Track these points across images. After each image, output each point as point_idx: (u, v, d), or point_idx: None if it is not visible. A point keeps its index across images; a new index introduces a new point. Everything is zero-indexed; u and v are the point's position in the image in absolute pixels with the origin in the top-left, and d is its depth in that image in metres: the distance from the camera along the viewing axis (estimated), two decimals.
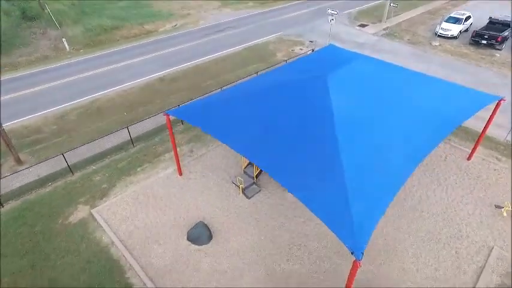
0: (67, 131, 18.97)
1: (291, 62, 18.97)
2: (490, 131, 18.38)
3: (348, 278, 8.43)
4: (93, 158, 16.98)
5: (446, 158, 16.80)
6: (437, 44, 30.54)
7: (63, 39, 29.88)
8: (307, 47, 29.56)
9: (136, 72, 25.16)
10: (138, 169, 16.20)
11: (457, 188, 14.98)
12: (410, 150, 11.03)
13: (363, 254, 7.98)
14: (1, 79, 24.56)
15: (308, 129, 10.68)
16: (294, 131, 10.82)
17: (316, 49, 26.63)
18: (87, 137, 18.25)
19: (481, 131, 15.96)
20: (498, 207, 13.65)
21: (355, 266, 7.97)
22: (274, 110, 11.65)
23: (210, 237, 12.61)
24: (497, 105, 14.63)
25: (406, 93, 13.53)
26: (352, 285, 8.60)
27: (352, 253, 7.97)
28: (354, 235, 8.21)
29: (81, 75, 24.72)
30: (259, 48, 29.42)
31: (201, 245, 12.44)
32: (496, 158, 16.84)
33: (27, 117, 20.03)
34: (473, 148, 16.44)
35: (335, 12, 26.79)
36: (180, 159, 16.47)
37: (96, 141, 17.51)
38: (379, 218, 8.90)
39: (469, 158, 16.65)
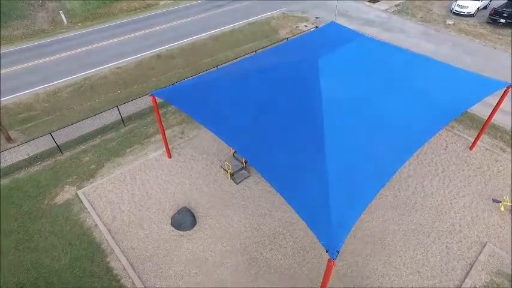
0: (59, 109, 18.70)
1: (287, 42, 17.97)
2: (497, 119, 17.45)
3: (323, 278, 8.10)
4: (84, 137, 16.75)
5: (447, 146, 16.03)
6: (451, 22, 28.69)
7: (61, 12, 29.08)
8: (312, 24, 28.16)
9: (132, 48, 24.43)
10: (128, 150, 15.94)
11: (455, 179, 14.33)
12: (405, 138, 10.37)
13: (338, 252, 7.60)
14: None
15: (295, 117, 10.07)
16: (279, 118, 10.23)
17: (320, 26, 25.34)
18: (79, 115, 17.98)
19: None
20: (496, 201, 13.03)
21: (329, 266, 7.62)
22: (262, 96, 11.01)
23: (193, 223, 12.42)
24: (505, 92, 13.64)
25: (405, 78, 12.64)
26: (327, 285, 8.30)
27: (327, 251, 7.60)
28: (330, 233, 7.81)
29: (75, 51, 24.13)
30: (261, 24, 28.14)
31: (184, 230, 12.29)
32: (501, 148, 15.98)
33: (19, 93, 19.74)
34: (476, 137, 15.60)
35: None
36: (170, 141, 16.14)
37: (88, 120, 17.22)
38: (362, 211, 8.44)
39: (471, 148, 15.85)
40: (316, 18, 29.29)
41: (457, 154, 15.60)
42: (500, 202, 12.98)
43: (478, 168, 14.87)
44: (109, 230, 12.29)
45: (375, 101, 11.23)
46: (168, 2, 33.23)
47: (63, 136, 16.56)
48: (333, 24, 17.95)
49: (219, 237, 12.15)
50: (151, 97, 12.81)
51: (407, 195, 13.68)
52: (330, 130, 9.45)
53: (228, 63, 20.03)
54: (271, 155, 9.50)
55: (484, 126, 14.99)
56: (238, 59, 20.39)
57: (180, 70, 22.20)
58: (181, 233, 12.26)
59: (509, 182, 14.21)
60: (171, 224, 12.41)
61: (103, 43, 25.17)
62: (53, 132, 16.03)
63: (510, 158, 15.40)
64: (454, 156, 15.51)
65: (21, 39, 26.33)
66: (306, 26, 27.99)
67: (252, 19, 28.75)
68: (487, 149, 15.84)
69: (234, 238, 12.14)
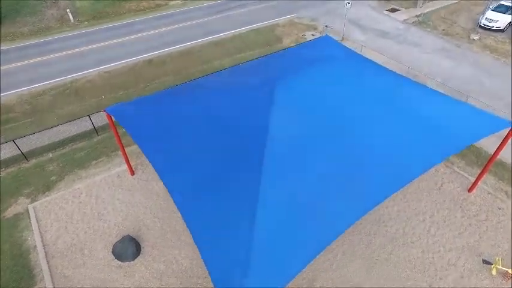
0: (40, 112, 18.39)
1: (262, 58, 16.42)
2: (507, 156, 15.14)
3: None
4: (55, 144, 16.26)
5: (442, 186, 14.01)
6: (476, 37, 25.92)
7: (68, 10, 29.18)
8: (319, 33, 26.42)
9: (127, 51, 23.88)
10: (93, 162, 15.23)
11: (443, 228, 12.38)
12: (369, 187, 8.78)
13: None
14: None
15: (235, 158, 8.72)
16: (220, 157, 8.90)
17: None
18: (57, 120, 17.54)
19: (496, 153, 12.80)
20: (486, 262, 11.01)
21: None
22: (208, 128, 9.73)
23: (136, 253, 11.41)
24: (509, 134, 11.51)
25: (386, 108, 10.96)
26: None
27: None
28: None
29: (71, 51, 23.89)
30: (265, 31, 26.76)
31: (124, 261, 11.31)
32: (506, 193, 13.75)
33: (3, 94, 19.58)
34: (476, 178, 13.48)
35: None
36: (138, 155, 15.26)
37: (64, 125, 16.72)
38: (288, 281, 7.03)
39: (470, 190, 13.74)
40: (326, 26, 27.49)
41: (452, 196, 13.56)
42: (492, 264, 10.95)
43: (475, 216, 12.80)
44: (46, 253, 11.55)
45: (344, 136, 9.70)
46: (180, 2, 32.58)
47: (35, 141, 16.16)
48: (325, 38, 16.34)
49: (160, 274, 11.06)
50: (106, 115, 11.91)
51: (383, 243, 11.93)
52: (269, 180, 8.04)
53: (233, 66, 18.53)
54: (200, 200, 8.23)
55: (486, 165, 12.86)
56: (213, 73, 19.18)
57: (170, 77, 21.35)
58: (121, 264, 11.30)
59: (510, 237, 12.08)
60: (112, 253, 11.48)
61: (100, 44, 24.82)
62: (26, 136, 15.69)
63: None
64: (449, 198, 13.48)
65: (25, 37, 26.57)
66: (313, 35, 26.29)
67: (256, 25, 27.43)
68: (489, 193, 13.67)
69: (176, 276, 11.00)
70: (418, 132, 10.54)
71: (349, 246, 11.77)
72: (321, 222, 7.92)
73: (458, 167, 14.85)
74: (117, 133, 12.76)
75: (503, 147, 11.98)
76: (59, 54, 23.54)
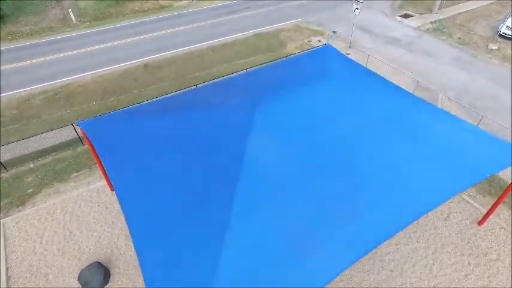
0: (26, 118, 17.74)
1: (251, 71, 15.14)
2: None
3: None
4: (37, 153, 15.53)
5: (448, 216, 12.62)
6: (495, 47, 24.17)
7: (70, 11, 28.69)
8: (327, 39, 25.11)
9: (123, 54, 23.10)
10: (74, 174, 14.41)
11: (448, 267, 11.02)
12: (351, 232, 7.57)
13: None
14: None
15: (203, 190, 7.64)
16: (187, 187, 7.84)
17: (334, 42, 22.39)
18: (44, 127, 16.84)
19: None
20: None
21: None
22: (179, 151, 8.68)
23: (103, 282, 10.47)
24: None
25: (392, 135, 9.72)
26: None
27: None
28: None
29: (67, 53, 23.25)
30: (268, 36, 25.61)
31: None
32: None
33: None
34: (489, 209, 12.02)
35: (361, 1, 21.88)
36: None
37: (48, 133, 15.99)
38: None
39: (481, 223, 12.31)
40: (333, 32, 26.15)
41: (459, 230, 12.15)
42: None
43: (484, 255, 11.37)
44: (9, 278, 10.73)
45: (335, 167, 8.50)
46: (185, 3, 31.74)
47: (18, 149, 15.47)
48: (326, 48, 15.09)
49: None
50: (80, 129, 11.03)
51: (377, 282, 10.65)
52: (238, 221, 6.94)
53: (221, 78, 17.54)
54: (159, 239, 7.18)
55: (501, 197, 11.39)
56: (234, 74, 17.97)
57: (165, 83, 20.46)
58: None
59: None
60: (78, 280, 10.58)
61: (98, 46, 24.14)
62: (9, 144, 15.04)
63: None
64: (455, 232, 12.08)
65: (25, 37, 26.15)
66: (320, 41, 25.00)
67: (259, 29, 26.30)
68: (502, 228, 12.20)
69: None
70: (423, 164, 9.27)
71: (336, 284, 10.54)
72: (300, 273, 6.77)
73: (468, 195, 13.40)
74: (93, 148, 11.87)
75: None
76: (55, 56, 22.95)
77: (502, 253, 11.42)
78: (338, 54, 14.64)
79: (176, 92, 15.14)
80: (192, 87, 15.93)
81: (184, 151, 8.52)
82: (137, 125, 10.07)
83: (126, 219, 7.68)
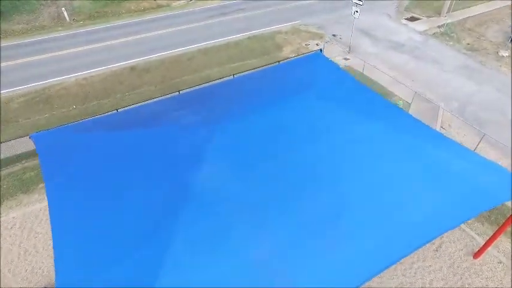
0: (3, 122, 17.06)
1: (228, 80, 13.95)
2: None
3: None
4: (7, 160, 14.81)
5: (440, 246, 11.33)
6: (506, 54, 22.53)
7: (63, 9, 28.10)
8: (326, 42, 23.85)
9: (112, 56, 22.30)
10: (40, 185, 13.60)
11: None
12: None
13: None
14: None
15: (141, 227, 6.62)
16: (123, 220, 6.84)
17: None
18: (18, 132, 16.14)
19: None
20: None
21: None
22: (124, 176, 7.70)
23: None
24: None
25: (370, 163, 8.52)
26: None
27: None
28: None
29: (54, 54, 22.54)
30: (264, 39, 24.48)
31: None
32: None
33: None
34: (486, 241, 10.71)
35: (360, 3, 20.55)
36: None
37: (24, 138, 15.23)
38: None
39: (476, 256, 11.00)
40: (333, 35, 24.85)
41: (451, 263, 10.87)
42: None
43: None
44: None
45: (300, 198, 7.40)
46: (182, 3, 30.84)
47: None
48: (315, 56, 13.93)
49: None
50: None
51: None
52: (175, 267, 5.91)
53: (208, 83, 16.47)
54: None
55: (500, 228, 10.07)
56: (224, 79, 16.87)
57: (151, 87, 19.58)
58: None
59: None
60: None
61: (86, 47, 23.40)
62: None
63: None
64: (447, 265, 10.80)
65: (15, 35, 25.61)
66: (318, 45, 23.74)
67: (255, 31, 25.17)
68: (500, 262, 10.87)
69: None
70: (414, 193, 8.11)
71: None
72: None
73: (465, 223, 12.07)
74: None
75: None
76: (41, 56, 22.28)
77: None
78: (328, 63, 13.46)
79: (145, 102, 14.20)
80: (170, 95, 14.95)
81: (128, 175, 7.53)
82: (87, 141, 9.13)
83: (53, 248, 6.75)
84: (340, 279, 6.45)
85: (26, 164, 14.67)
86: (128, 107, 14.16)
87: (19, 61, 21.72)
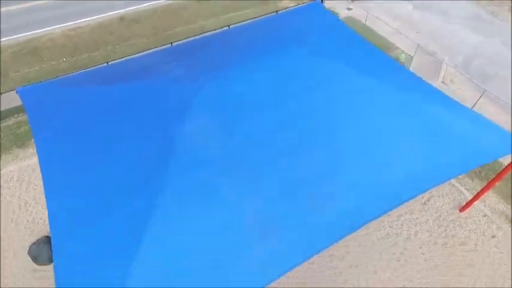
0: None
1: (232, 28, 13.30)
2: None
3: None
4: (1, 114, 14.70)
5: (429, 200, 11.61)
6: None
7: None
8: None
9: (99, 5, 20.88)
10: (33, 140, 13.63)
11: (418, 256, 10.27)
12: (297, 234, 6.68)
13: None
14: None
15: (129, 179, 6.69)
16: (114, 172, 6.89)
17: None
18: (9, 85, 15.81)
19: None
20: None
21: None
22: (113, 129, 7.61)
23: (52, 257, 10.15)
24: None
25: (364, 117, 8.38)
26: None
27: None
28: None
29: (36, 3, 21.14)
30: None
31: (41, 264, 10.13)
32: (506, 216, 11.22)
33: None
34: (474, 196, 10.94)
35: None
36: None
37: (10, 93, 14.97)
38: None
39: (462, 209, 11.31)
40: None
41: (437, 216, 11.21)
42: None
43: (460, 245, 10.53)
44: None
45: (292, 150, 7.41)
46: None
47: None
48: (314, 5, 13.11)
49: None
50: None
51: (340, 269, 10.03)
52: (165, 215, 6.06)
53: (203, 34, 15.77)
54: (75, 233, 6.44)
55: (488, 184, 10.23)
56: (218, 30, 16.08)
57: (143, 39, 18.80)
58: (36, 267, 10.13)
59: (499, 275, 9.85)
60: (28, 254, 10.28)
61: None
62: None
63: None
64: (433, 218, 11.15)
65: None
66: None
67: None
68: (485, 216, 11.21)
69: None
70: (408, 147, 8.10)
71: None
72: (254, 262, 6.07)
73: (455, 178, 12.23)
74: None
75: (506, 172, 9.28)
76: (20, 6, 20.93)
77: (479, 243, 10.54)
78: (325, 13, 12.71)
79: (133, 56, 13.60)
80: (162, 47, 14.37)
81: (117, 128, 7.48)
82: (76, 95, 8.94)
83: (46, 201, 6.96)
84: (333, 229, 6.67)
85: (20, 119, 14.59)
86: (119, 60, 13.73)
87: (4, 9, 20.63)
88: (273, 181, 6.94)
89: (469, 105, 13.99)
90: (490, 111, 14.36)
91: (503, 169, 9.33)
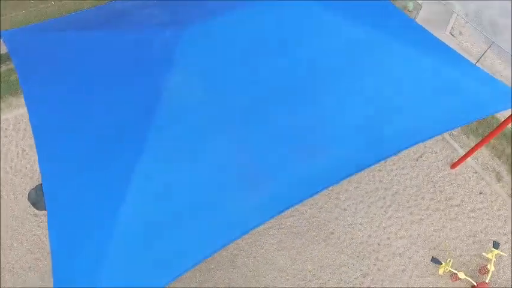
0: None
1: None
2: None
3: None
4: None
5: (421, 156, 11.68)
6: None
7: None
8: None
9: None
10: None
11: (404, 210, 10.62)
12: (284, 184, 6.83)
13: None
14: None
15: (114, 131, 6.66)
16: (97, 126, 6.83)
17: None
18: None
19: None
20: (435, 261, 9.49)
21: None
22: (97, 78, 7.41)
23: None
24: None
25: (355, 67, 8.05)
26: None
27: None
28: None
29: None
30: None
31: (41, 209, 10.58)
32: (497, 174, 11.36)
33: None
34: (464, 155, 10.98)
35: None
36: None
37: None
38: None
39: (453, 166, 11.41)
40: None
41: (428, 172, 11.35)
42: (441, 264, 9.43)
43: (447, 200, 10.81)
44: None
45: (280, 101, 7.29)
46: None
47: None
48: None
49: None
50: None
51: (327, 220, 10.45)
52: (147, 170, 6.13)
53: None
54: (65, 184, 6.59)
55: (484, 139, 10.19)
56: None
57: None
58: (37, 212, 10.60)
59: (480, 230, 10.28)
60: (28, 200, 10.70)
61: None
62: None
63: (502, 192, 10.96)
64: (423, 173, 11.31)
65: None
66: None
67: None
68: (476, 173, 11.33)
69: None
70: (400, 100, 7.92)
71: (289, 218, 10.39)
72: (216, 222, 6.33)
73: (450, 134, 12.17)
74: None
75: (503, 127, 9.17)
76: None
77: (466, 199, 10.82)
78: None
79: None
80: None
81: (98, 78, 7.29)
82: (60, 41, 8.56)
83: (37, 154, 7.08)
84: (323, 177, 6.80)
85: (11, 66, 14.24)
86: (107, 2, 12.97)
87: None
88: (259, 133, 6.91)
89: (474, 58, 13.44)
90: (495, 64, 13.84)
91: (498, 126, 9.21)
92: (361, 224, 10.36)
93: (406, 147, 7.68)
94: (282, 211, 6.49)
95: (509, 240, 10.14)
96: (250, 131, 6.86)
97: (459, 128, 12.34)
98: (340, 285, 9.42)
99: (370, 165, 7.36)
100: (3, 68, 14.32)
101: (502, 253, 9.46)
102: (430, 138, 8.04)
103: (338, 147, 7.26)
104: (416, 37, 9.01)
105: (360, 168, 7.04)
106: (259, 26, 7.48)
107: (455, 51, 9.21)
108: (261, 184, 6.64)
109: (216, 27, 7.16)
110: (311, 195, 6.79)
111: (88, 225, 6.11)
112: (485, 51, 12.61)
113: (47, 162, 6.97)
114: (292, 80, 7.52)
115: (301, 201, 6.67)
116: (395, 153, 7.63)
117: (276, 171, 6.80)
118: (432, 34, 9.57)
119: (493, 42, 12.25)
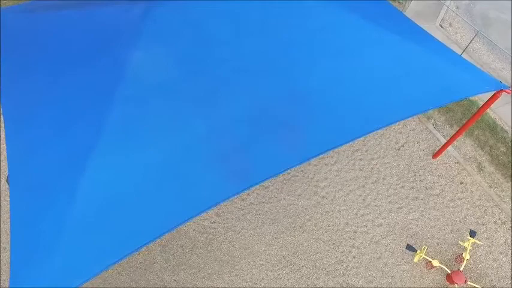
0: None
1: None
2: (506, 116, 12.11)
3: None
4: None
5: (403, 146, 11.60)
6: None
7: None
8: None
9: None
10: None
11: (383, 198, 10.55)
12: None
13: None
14: None
15: (79, 105, 6.63)
16: (65, 99, 6.81)
17: None
18: None
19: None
20: (410, 249, 9.42)
21: None
22: (69, 53, 7.38)
23: None
24: (495, 96, 8.42)
25: (333, 49, 8.04)
26: None
27: None
28: None
29: None
30: None
31: None
32: (479, 164, 11.27)
33: None
34: (445, 143, 10.90)
35: None
36: None
37: None
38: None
39: (435, 156, 11.33)
40: None
41: (410, 161, 11.27)
42: (416, 252, 9.36)
43: (426, 189, 10.73)
44: None
45: (254, 82, 7.24)
46: None
47: None
48: None
49: None
50: None
51: (304, 207, 10.39)
52: (108, 146, 6.09)
53: None
54: (27, 158, 6.57)
55: (463, 126, 10.06)
56: None
57: None
58: None
59: (458, 220, 10.20)
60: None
61: None
62: None
63: (482, 183, 10.87)
64: (404, 163, 11.24)
65: None
66: None
67: None
68: (457, 162, 11.25)
69: None
70: (376, 81, 7.90)
71: (262, 206, 10.35)
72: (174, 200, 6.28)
73: (434, 124, 12.08)
74: None
75: (481, 113, 9.09)
76: None
77: (446, 189, 10.74)
78: None
79: None
80: None
81: (68, 58, 7.26)
82: (34, 21, 8.57)
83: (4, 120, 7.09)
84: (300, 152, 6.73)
85: None
86: None
87: None
88: (234, 107, 6.85)
89: (462, 50, 13.32)
90: (483, 56, 13.72)
91: (476, 112, 9.15)
92: (338, 212, 10.29)
93: (380, 128, 7.62)
94: (249, 187, 6.42)
95: (487, 229, 10.08)
96: (218, 108, 6.82)
97: (443, 118, 12.27)
98: (314, 272, 9.37)
99: (348, 142, 7.27)
100: None
101: (478, 242, 9.39)
102: (403, 119, 8.02)
103: (312, 126, 7.22)
104: (392, 23, 8.96)
105: (327, 148, 6.99)
106: (229, 4, 7.43)
107: (438, 40, 9.16)
108: (229, 160, 6.60)
109: (185, 4, 7.11)
110: (284, 171, 6.72)
111: (47, 200, 6.08)
112: (471, 40, 12.48)
113: (13, 138, 6.95)
114: (264, 59, 7.48)
115: (271, 176, 6.63)
116: (372, 131, 7.56)
117: (246, 147, 6.75)
118: (410, 20, 9.53)
119: (478, 31, 12.08)
